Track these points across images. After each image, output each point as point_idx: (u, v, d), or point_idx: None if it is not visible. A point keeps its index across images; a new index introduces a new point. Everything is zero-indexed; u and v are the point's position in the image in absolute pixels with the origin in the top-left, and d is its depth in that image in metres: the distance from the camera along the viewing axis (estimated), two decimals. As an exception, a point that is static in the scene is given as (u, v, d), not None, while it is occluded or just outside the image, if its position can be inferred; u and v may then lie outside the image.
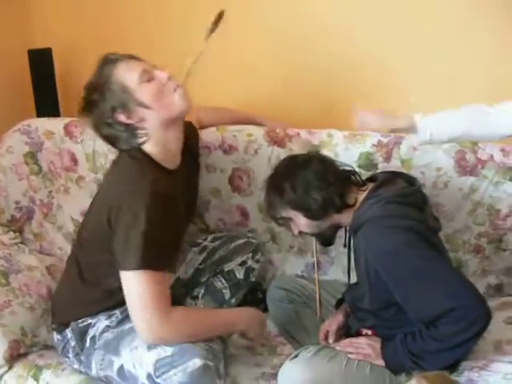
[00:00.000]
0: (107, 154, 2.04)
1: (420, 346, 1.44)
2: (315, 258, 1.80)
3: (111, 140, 1.56)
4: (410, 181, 1.59)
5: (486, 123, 1.43)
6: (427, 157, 1.82)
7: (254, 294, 1.97)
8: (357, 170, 1.85)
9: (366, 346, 1.51)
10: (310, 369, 1.47)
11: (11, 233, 2.02)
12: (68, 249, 2.02)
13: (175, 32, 2.24)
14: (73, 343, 1.58)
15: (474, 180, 1.80)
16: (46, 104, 2.36)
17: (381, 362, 1.49)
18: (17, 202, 2.06)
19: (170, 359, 1.44)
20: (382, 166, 1.84)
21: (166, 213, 1.44)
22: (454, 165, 1.80)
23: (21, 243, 2.01)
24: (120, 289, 1.45)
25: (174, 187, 1.53)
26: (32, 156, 2.08)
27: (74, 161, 2.08)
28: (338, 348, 1.54)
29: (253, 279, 1.89)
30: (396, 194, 1.50)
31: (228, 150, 1.96)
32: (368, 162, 1.86)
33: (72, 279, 1.62)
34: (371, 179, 1.63)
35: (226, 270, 1.86)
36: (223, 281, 1.84)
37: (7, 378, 1.62)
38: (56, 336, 1.65)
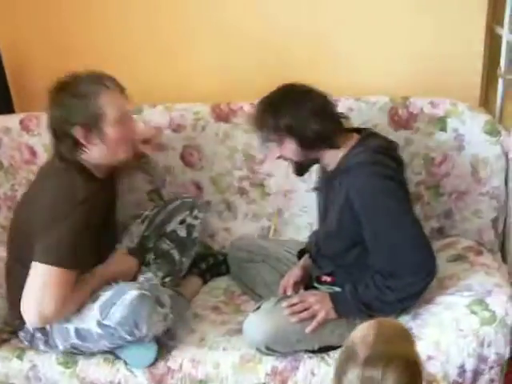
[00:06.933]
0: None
1: (375, 296, 1.55)
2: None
3: (57, 143, 1.65)
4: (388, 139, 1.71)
5: None
6: (364, 115, 1.93)
7: (215, 260, 2.08)
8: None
9: (314, 304, 1.60)
10: (271, 318, 1.60)
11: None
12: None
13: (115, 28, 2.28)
14: (38, 335, 1.67)
15: (408, 133, 1.92)
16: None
17: (333, 315, 1.60)
18: (-19, 198, 2.13)
19: (109, 300, 1.58)
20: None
21: (88, 219, 1.57)
22: (389, 120, 1.92)
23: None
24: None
25: (99, 193, 1.66)
26: (-9, 152, 2.15)
27: (33, 153, 2.15)
28: (291, 315, 1.60)
29: (196, 235, 1.98)
30: (381, 146, 1.62)
31: (177, 128, 2.05)
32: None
33: (20, 283, 1.62)
34: (355, 130, 1.69)
35: (168, 230, 1.93)
36: (168, 242, 1.92)
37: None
38: (19, 332, 1.72)
